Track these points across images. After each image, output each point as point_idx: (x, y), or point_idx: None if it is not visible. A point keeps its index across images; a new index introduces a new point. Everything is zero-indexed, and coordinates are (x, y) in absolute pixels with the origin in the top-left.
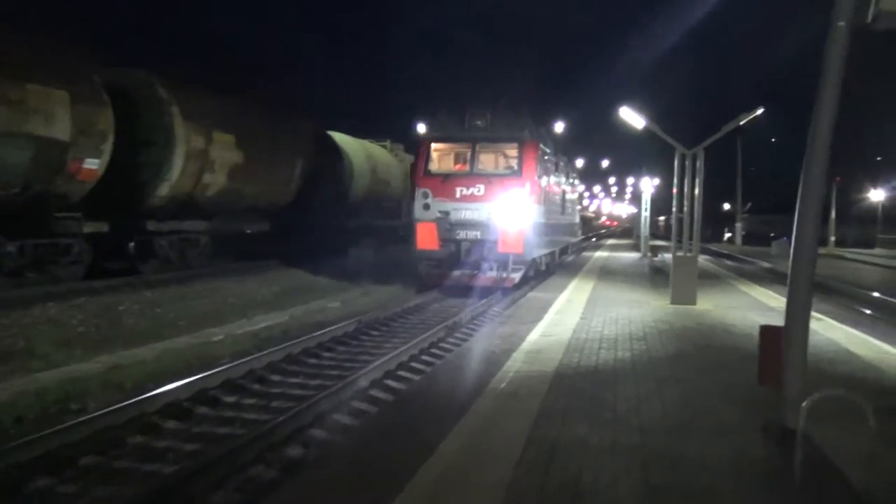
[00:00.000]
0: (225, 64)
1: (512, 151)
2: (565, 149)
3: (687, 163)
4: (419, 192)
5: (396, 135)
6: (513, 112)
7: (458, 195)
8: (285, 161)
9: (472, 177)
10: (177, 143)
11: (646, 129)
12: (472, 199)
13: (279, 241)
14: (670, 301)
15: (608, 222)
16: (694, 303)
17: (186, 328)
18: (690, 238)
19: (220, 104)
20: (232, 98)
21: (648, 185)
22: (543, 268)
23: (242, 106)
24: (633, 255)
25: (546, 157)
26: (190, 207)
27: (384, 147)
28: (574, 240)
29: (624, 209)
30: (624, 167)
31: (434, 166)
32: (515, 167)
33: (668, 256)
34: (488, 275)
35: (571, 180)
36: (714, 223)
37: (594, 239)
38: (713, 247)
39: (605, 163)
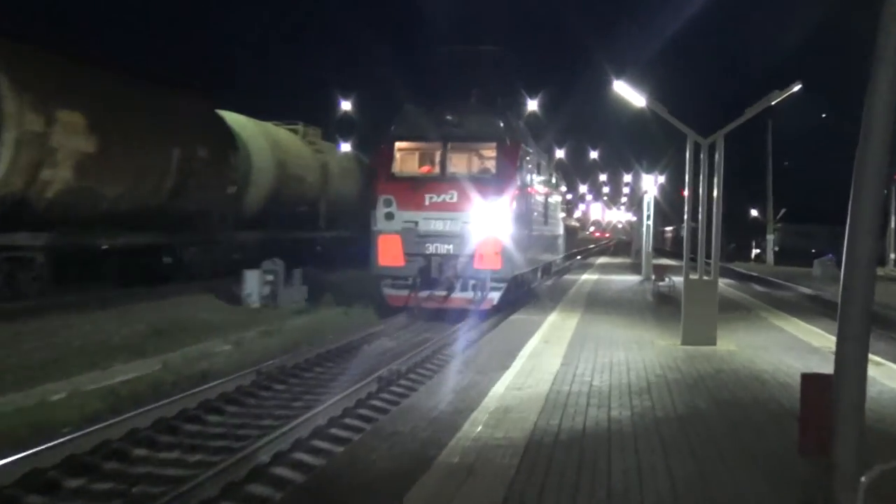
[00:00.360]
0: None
1: (489, 152)
2: (546, 145)
3: (702, 156)
4: (381, 200)
5: (312, 116)
6: (490, 107)
7: (427, 203)
8: (157, 150)
9: (443, 182)
10: (5, 124)
11: (649, 116)
12: (443, 207)
13: (149, 259)
14: (681, 341)
15: (598, 234)
16: (713, 343)
17: (13, 383)
18: (708, 256)
19: (66, 72)
20: (83, 65)
21: (651, 184)
22: (525, 288)
23: (97, 75)
24: (631, 279)
25: (528, 158)
26: (22, 214)
27: (294, 132)
28: (557, 257)
29: (618, 216)
30: (619, 162)
31: (399, 169)
32: (494, 170)
33: (677, 280)
34: (462, 295)
35: (554, 182)
36: (738, 235)
37: (579, 257)
38: (737, 267)
39: (593, 154)
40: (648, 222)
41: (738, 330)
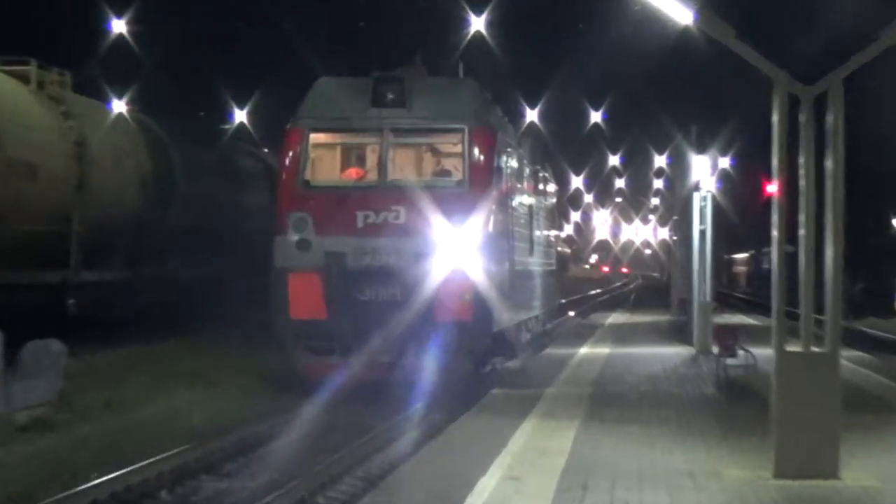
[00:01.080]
0: None
1: (453, 145)
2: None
3: (802, 119)
4: (291, 220)
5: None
6: (451, 80)
7: (359, 224)
8: None
9: (384, 192)
10: None
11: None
12: (385, 230)
13: None
14: (773, 471)
15: (605, 268)
16: (833, 474)
17: None
18: (818, 307)
19: None
20: None
21: (707, 173)
22: (504, 354)
23: None
24: (671, 353)
25: (509, 151)
26: None
27: (19, 78)
28: (551, 304)
29: (643, 234)
30: (645, 133)
31: (316, 175)
32: (460, 173)
33: (762, 355)
34: (414, 362)
35: (543, 184)
36: (869, 267)
37: (571, 314)
38: (872, 327)
39: (595, 116)
40: (703, 245)
41: (881, 449)
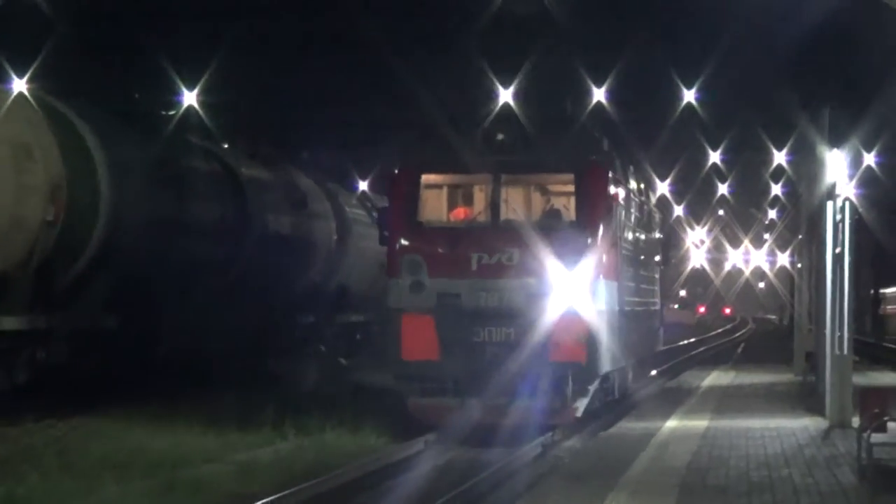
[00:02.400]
0: None
1: (564, 187)
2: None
3: None
4: (404, 262)
5: None
6: (561, 120)
7: (474, 266)
8: None
9: (497, 233)
10: None
11: None
12: (498, 272)
13: None
14: None
15: (703, 310)
16: None
17: None
18: None
19: None
20: None
21: (842, 173)
22: (616, 394)
23: None
24: (795, 426)
25: (623, 192)
26: None
27: None
28: (655, 347)
29: (755, 261)
30: (759, 117)
31: (428, 216)
32: (573, 214)
33: None
34: (529, 403)
35: (651, 221)
36: None
37: (653, 372)
38: None
39: (689, 96)
40: (839, 275)
41: None
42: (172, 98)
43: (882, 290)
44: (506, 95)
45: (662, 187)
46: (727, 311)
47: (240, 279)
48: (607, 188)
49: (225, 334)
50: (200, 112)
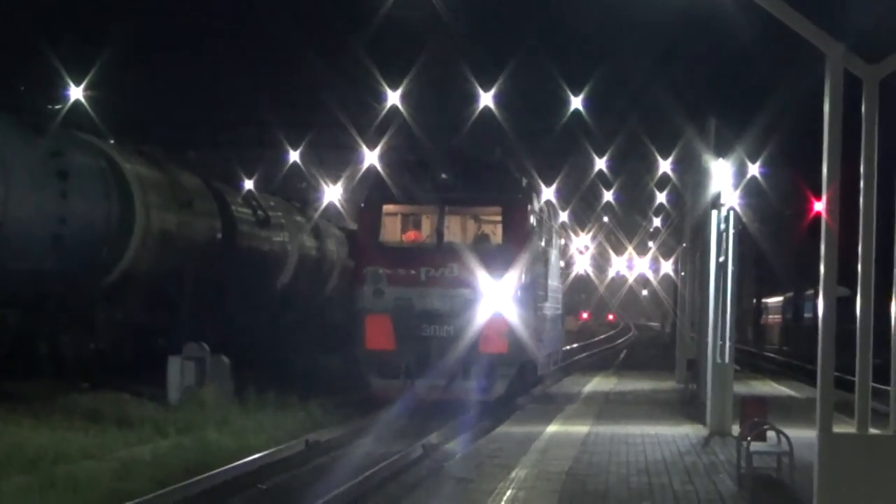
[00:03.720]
0: None
1: (494, 217)
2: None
3: (864, 110)
4: (369, 273)
5: None
6: (493, 161)
7: (423, 277)
8: None
9: (441, 252)
10: None
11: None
12: (442, 282)
13: None
14: None
15: (586, 316)
16: None
17: None
18: (884, 377)
19: None
20: None
21: (727, 182)
22: (532, 381)
23: None
24: (676, 434)
25: (537, 221)
26: None
27: None
28: (561, 344)
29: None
30: (643, 125)
31: (388, 237)
32: (500, 239)
33: (802, 438)
34: (464, 385)
35: (559, 240)
36: None
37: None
38: None
39: (575, 102)
40: (722, 284)
41: None
42: (59, 93)
43: (764, 300)
44: (394, 98)
45: (548, 193)
46: (611, 317)
47: (124, 277)
48: (526, 219)
49: (111, 331)
50: (87, 107)
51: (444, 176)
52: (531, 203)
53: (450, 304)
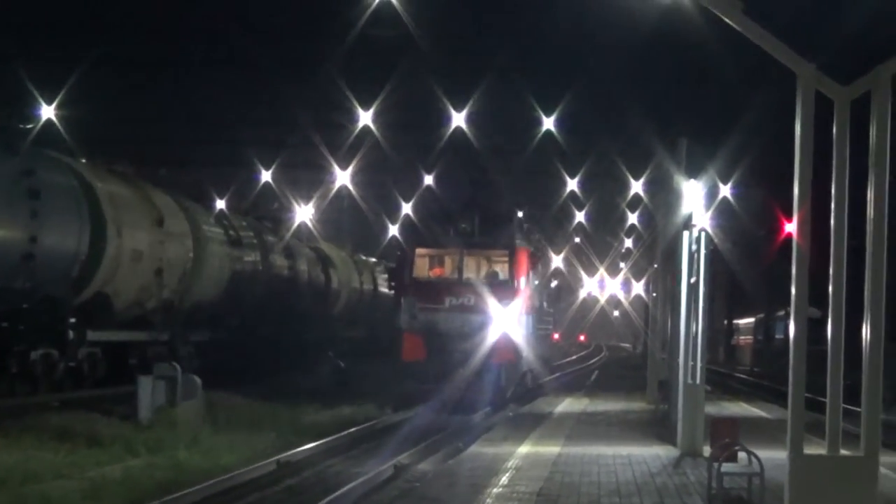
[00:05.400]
0: None
1: (502, 258)
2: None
3: (835, 131)
4: (405, 301)
5: None
6: (503, 215)
7: (447, 305)
8: None
9: (461, 285)
10: None
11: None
12: (462, 309)
13: None
14: None
15: (556, 336)
16: None
17: None
18: (853, 394)
19: None
20: None
21: (699, 204)
22: (530, 385)
23: None
24: (647, 454)
25: (537, 262)
26: None
27: None
28: (553, 358)
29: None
30: (616, 145)
31: (419, 273)
32: (506, 275)
33: (773, 460)
34: (478, 387)
35: (548, 270)
36: None
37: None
38: None
39: (548, 122)
40: (694, 304)
41: None
42: (31, 111)
43: (735, 321)
44: (366, 118)
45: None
46: (582, 338)
47: (96, 295)
48: (526, 259)
49: (82, 350)
50: (59, 126)
51: (463, 225)
52: (530, 246)
53: (468, 326)
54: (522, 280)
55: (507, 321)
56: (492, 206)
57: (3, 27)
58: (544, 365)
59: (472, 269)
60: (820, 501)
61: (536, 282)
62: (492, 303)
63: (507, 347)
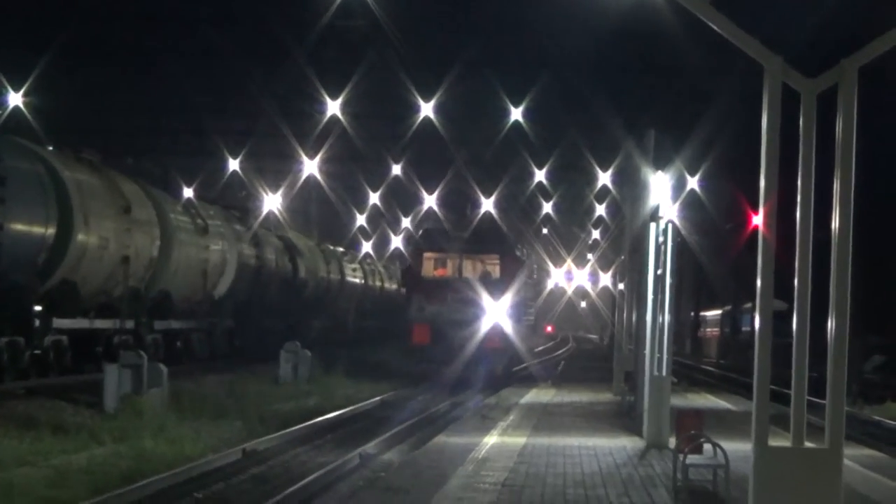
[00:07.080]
0: None
1: (494, 260)
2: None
3: (802, 123)
4: (414, 297)
5: None
6: (495, 223)
7: (449, 300)
8: None
9: (460, 283)
10: None
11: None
12: (461, 302)
13: None
14: None
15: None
16: None
17: None
18: (817, 386)
19: None
20: None
21: (666, 196)
22: (517, 366)
23: None
24: (612, 446)
25: (523, 262)
26: None
27: None
28: (535, 344)
29: (577, 280)
30: (584, 137)
31: (426, 273)
32: (498, 276)
33: (737, 451)
34: (476, 368)
35: (535, 266)
36: (885, 333)
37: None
38: (889, 418)
39: (516, 114)
40: (660, 297)
41: None
42: None
43: (702, 313)
44: (334, 107)
45: (487, 204)
46: (549, 329)
47: (62, 283)
48: (513, 262)
49: (48, 337)
50: (26, 113)
51: (463, 235)
52: (516, 250)
53: (466, 317)
54: (511, 278)
55: (497, 313)
56: (486, 218)
57: None
58: (528, 350)
59: (469, 270)
60: (784, 493)
61: (523, 281)
62: (485, 298)
63: (498, 335)
